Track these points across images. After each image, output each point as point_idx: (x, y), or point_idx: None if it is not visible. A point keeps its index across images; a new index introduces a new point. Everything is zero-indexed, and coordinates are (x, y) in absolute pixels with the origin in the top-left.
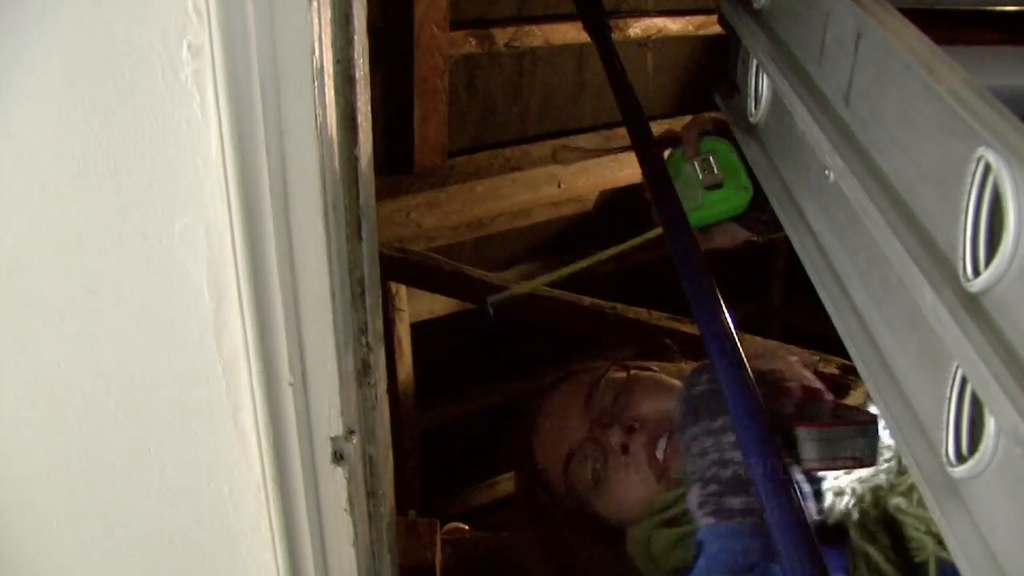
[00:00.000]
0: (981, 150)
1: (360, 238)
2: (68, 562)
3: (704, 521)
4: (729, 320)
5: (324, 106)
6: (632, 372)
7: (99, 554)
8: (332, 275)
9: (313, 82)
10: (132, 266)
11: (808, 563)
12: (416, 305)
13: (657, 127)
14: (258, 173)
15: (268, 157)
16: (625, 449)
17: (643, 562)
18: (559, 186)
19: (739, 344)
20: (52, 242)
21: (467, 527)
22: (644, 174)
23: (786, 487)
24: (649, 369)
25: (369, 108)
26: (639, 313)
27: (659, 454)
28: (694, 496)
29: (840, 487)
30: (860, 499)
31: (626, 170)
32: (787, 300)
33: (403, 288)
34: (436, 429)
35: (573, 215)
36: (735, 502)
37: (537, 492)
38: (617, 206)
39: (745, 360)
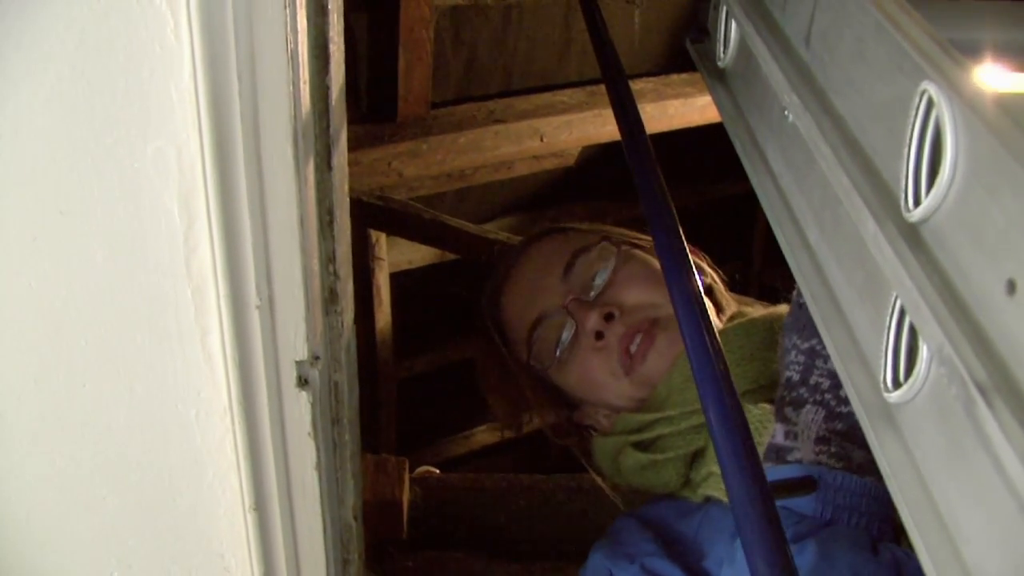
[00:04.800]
0: (924, 84)
1: (330, 167)
2: (36, 485)
3: (825, 460)
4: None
5: (296, 32)
6: (623, 249)
7: (68, 477)
8: (300, 202)
9: (284, 9)
10: (104, 188)
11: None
12: (396, 255)
13: (642, 84)
14: (229, 98)
15: (239, 82)
16: (599, 336)
17: (609, 471)
18: (542, 140)
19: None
20: (26, 164)
21: (437, 471)
22: (621, 132)
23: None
24: (640, 246)
25: (342, 40)
26: None
27: (633, 348)
28: (812, 420)
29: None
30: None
31: (609, 126)
32: (767, 262)
33: (383, 236)
34: (413, 379)
35: (554, 169)
36: (859, 455)
37: (497, 344)
38: (599, 162)
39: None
